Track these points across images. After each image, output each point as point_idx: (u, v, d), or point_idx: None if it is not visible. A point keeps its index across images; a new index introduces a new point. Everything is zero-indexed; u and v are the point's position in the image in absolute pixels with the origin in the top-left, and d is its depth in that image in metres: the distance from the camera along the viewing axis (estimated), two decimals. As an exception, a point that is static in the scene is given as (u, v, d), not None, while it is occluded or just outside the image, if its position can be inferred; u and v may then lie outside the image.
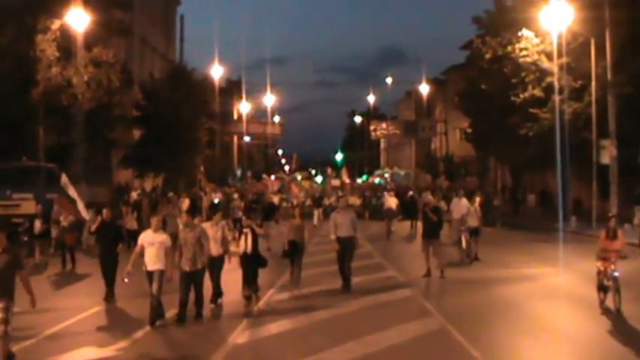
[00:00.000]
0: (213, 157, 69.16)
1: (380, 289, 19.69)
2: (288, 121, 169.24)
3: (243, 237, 17.05)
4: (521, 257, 27.27)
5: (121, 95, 42.74)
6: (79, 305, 17.16)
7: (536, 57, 41.76)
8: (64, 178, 24.55)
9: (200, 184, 46.58)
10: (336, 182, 68.18)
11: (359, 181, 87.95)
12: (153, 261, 14.99)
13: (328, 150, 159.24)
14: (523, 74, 42.46)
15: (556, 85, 39.57)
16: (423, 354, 13.15)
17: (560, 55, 39.06)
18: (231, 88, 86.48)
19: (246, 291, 16.87)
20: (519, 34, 42.72)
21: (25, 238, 25.34)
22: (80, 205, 24.16)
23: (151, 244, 15.06)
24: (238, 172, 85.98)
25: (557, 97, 39.39)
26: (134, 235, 24.68)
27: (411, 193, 45.89)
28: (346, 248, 19.26)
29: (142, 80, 53.95)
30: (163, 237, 15.19)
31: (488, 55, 45.74)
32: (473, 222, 25.71)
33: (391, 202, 38.70)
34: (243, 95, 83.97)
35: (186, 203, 33.03)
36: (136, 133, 51.68)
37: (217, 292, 16.78)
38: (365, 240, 33.19)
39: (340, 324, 15.31)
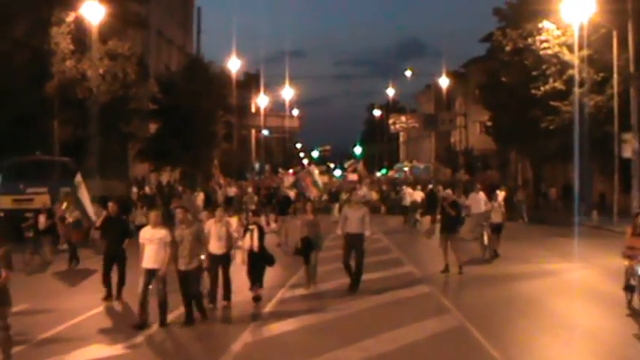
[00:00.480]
0: (230, 151, 68.88)
1: (397, 285, 19.26)
2: (307, 114, 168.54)
3: (248, 234, 16.33)
4: (542, 252, 26.76)
5: (136, 88, 42.29)
6: (83, 305, 16.50)
7: (557, 49, 41.17)
8: (78, 177, 23.61)
9: (214, 177, 45.92)
10: (353, 176, 67.50)
11: (378, 174, 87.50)
12: (153, 259, 14.22)
13: (347, 143, 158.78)
14: (544, 67, 41.90)
15: (577, 77, 38.99)
16: (440, 353, 12.76)
17: (581, 47, 38.47)
18: (250, 82, 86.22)
19: (254, 290, 16.27)
20: (540, 25, 42.10)
21: (30, 234, 24.31)
22: (88, 208, 23.21)
23: (151, 240, 14.31)
24: (257, 166, 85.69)
25: (578, 90, 38.81)
26: None
27: (430, 186, 45.30)
28: (354, 245, 18.28)
29: (159, 73, 53.61)
30: (163, 232, 14.39)
31: (508, 48, 45.20)
32: (496, 217, 24.88)
33: (416, 195, 38.95)
34: (262, 88, 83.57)
35: (200, 197, 32.63)
36: (153, 127, 51.41)
37: (228, 290, 16.10)
38: (382, 234, 32.93)
39: (355, 322, 14.95)
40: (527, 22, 43.53)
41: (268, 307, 16.19)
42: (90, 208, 22.59)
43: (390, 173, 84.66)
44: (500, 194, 27.55)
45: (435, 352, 12.77)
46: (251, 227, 16.48)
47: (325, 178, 64.04)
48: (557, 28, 41.20)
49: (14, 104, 33.65)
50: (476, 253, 24.74)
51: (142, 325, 14.01)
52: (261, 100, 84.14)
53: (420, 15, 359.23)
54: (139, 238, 14.60)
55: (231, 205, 36.41)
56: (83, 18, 36.44)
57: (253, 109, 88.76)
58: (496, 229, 24.80)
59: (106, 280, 17.00)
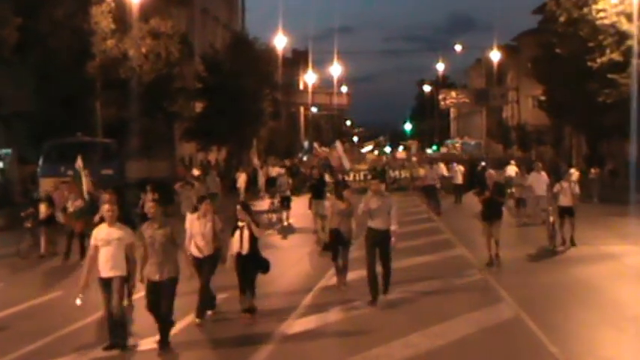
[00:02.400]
0: (278, 129, 68.32)
1: (446, 270, 18.01)
2: (357, 91, 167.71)
3: (237, 233, 13.22)
4: (600, 233, 24.77)
5: (180, 67, 41.78)
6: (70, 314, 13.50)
7: (614, 19, 39.57)
8: (79, 162, 22.07)
9: (255, 157, 43.84)
10: (401, 154, 65.87)
11: (429, 151, 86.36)
12: (109, 265, 11.50)
13: (397, 120, 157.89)
14: (600, 37, 40.31)
15: (636, 48, 37.38)
16: (493, 349, 11.67)
17: (641, 16, 36.92)
18: (298, 59, 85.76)
19: (244, 302, 13.31)
20: (596, -6, 40.57)
21: (29, 225, 22.12)
22: (85, 183, 21.75)
23: (107, 242, 11.55)
24: (306, 144, 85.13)
25: (637, 62, 37.24)
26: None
27: (483, 164, 43.29)
28: (379, 245, 14.59)
29: (204, 51, 53.17)
30: (121, 232, 11.64)
31: (562, 18, 43.65)
32: (566, 201, 21.54)
33: (510, 170, 35.54)
34: (309, 65, 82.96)
35: (242, 178, 31.49)
36: (199, 106, 51.05)
37: (209, 301, 13.52)
38: (433, 214, 31.95)
39: (399, 313, 13.88)
40: (582, -9, 42.03)
41: (294, 314, 14.06)
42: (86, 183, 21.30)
43: (443, 150, 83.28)
44: (575, 173, 25.67)
45: (488, 347, 11.73)
46: (240, 225, 13.24)
47: (372, 155, 62.47)
48: (615, -4, 39.62)
49: (56, 85, 33.34)
50: (543, 242, 22.03)
51: (114, 345, 11.57)
52: (309, 77, 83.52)
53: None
54: (92, 239, 11.89)
55: (274, 187, 35.43)
56: (123, -3, 36.02)
57: (301, 87, 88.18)
58: (567, 213, 21.59)
59: None
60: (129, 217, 15.12)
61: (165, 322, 11.63)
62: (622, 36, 39.36)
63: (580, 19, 42.11)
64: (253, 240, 13.23)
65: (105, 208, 12.01)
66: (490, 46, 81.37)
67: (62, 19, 34.21)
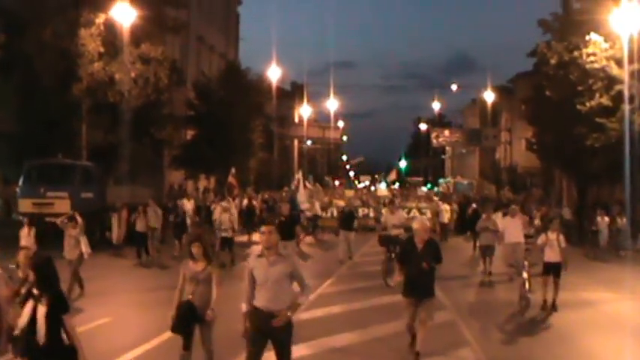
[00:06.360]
0: (270, 161, 67.95)
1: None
2: (355, 126, 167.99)
3: (29, 306, 7.97)
4: (580, 280, 23.38)
5: (170, 93, 41.52)
6: None
7: (604, 63, 39.40)
8: None
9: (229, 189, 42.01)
10: (383, 192, 63.05)
11: (424, 189, 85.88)
12: None
13: (393, 157, 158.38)
14: (590, 81, 40.14)
15: (626, 93, 37.16)
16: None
17: (631, 61, 36.72)
18: (296, 91, 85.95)
19: None
20: (587, 38, 40.41)
21: None
22: None
23: None
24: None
25: (627, 107, 37.03)
26: None
27: (474, 206, 38.58)
28: (270, 334, 9.23)
29: (197, 79, 53.14)
30: None
31: (553, 61, 43.45)
32: (553, 256, 18.17)
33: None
34: (305, 98, 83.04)
35: (219, 210, 30.32)
36: (190, 133, 50.84)
37: None
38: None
39: (361, 356, 13.32)
40: (573, 35, 41.90)
41: None
42: None
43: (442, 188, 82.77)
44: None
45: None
46: (35, 293, 7.98)
47: (350, 193, 59.96)
48: (606, 41, 39.48)
49: (40, 106, 33.24)
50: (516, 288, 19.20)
51: None
52: (304, 111, 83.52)
53: (471, 29, 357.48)
54: None
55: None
56: (114, 20, 35.80)
57: (297, 120, 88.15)
58: (552, 271, 18.23)
59: None
60: None
61: None
62: (611, 80, 39.22)
63: (570, 63, 41.96)
64: (53, 321, 7.84)
65: None
66: (485, 87, 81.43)
67: (49, 40, 34.12)
